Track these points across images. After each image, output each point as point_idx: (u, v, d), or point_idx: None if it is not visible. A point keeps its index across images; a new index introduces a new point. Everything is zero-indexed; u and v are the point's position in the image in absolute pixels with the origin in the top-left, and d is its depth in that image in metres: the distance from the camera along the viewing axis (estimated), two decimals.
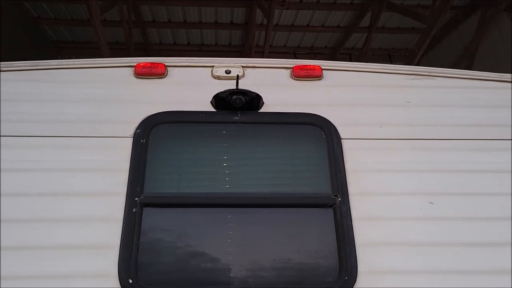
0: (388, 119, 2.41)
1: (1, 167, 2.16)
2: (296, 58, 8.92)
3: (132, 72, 2.46)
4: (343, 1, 7.68)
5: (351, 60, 8.91)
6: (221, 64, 2.50)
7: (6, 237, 2.01)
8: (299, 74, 2.50)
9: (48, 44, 8.51)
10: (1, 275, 1.93)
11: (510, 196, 2.23)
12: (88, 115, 2.33)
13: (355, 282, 1.99)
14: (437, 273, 2.04)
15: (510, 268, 2.06)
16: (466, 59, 7.73)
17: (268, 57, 7.89)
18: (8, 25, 6.77)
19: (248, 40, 8.19)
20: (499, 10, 7.17)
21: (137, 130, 2.28)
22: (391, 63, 8.82)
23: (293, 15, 8.05)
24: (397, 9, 7.40)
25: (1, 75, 2.40)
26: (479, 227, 2.15)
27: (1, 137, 2.23)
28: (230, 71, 2.48)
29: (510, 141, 2.39)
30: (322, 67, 2.52)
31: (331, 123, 2.36)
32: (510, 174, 2.29)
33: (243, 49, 8.82)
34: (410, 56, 7.86)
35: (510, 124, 2.43)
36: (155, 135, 2.29)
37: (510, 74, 2.61)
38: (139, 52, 8.16)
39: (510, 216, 2.18)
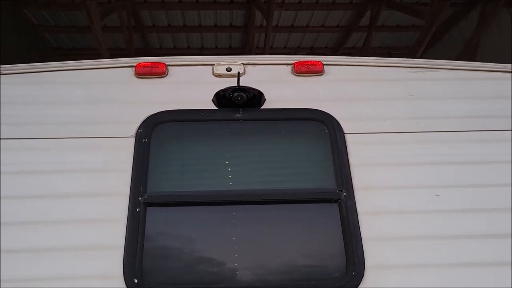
0: (391, 113, 2.39)
1: (4, 170, 2.15)
2: None
3: (133, 72, 2.46)
4: (342, 0, 7.67)
5: None
6: (222, 62, 2.49)
7: (10, 240, 2.00)
8: (300, 70, 2.48)
9: (49, 52, 8.53)
10: (5, 277, 1.92)
11: None
12: (90, 116, 2.32)
13: (362, 277, 1.96)
14: (445, 266, 2.01)
15: None
16: (467, 55, 7.70)
17: None
18: (8, 32, 6.79)
19: (248, 42, 8.19)
20: (498, 6, 7.14)
21: (139, 130, 2.27)
22: None
23: (293, 16, 8.04)
24: (396, 7, 7.39)
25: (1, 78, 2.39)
26: (487, 219, 2.12)
27: (2, 140, 2.22)
28: (231, 68, 2.47)
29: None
30: (323, 63, 2.50)
31: (334, 118, 2.34)
32: None
33: (243, 51, 8.81)
34: (411, 54, 7.83)
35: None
36: (157, 134, 2.28)
37: (511, 64, 2.60)
38: (139, 57, 8.15)
39: None
